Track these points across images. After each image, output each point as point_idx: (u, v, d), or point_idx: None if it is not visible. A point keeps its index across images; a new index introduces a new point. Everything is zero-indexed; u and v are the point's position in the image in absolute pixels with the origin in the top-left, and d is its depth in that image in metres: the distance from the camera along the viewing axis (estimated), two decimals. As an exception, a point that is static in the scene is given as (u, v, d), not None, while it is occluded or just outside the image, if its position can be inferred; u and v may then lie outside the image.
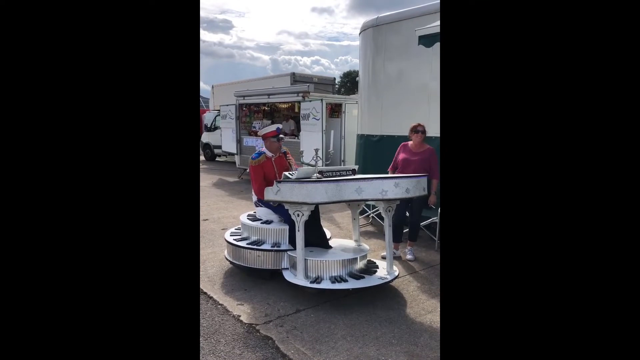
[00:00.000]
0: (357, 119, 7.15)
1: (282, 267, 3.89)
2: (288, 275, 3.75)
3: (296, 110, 10.80)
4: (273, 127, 4.32)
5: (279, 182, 3.60)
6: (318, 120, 8.71)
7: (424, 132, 4.68)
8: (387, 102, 6.23)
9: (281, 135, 4.31)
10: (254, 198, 4.32)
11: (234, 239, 4.13)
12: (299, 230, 3.60)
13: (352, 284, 3.51)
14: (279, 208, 3.98)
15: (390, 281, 3.61)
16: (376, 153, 6.28)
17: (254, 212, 4.40)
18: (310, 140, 8.74)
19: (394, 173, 4.70)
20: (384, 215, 3.72)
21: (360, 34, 6.75)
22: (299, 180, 3.51)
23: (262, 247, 3.93)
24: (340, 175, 3.91)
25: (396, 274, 3.71)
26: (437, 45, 4.28)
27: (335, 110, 9.81)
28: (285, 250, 3.88)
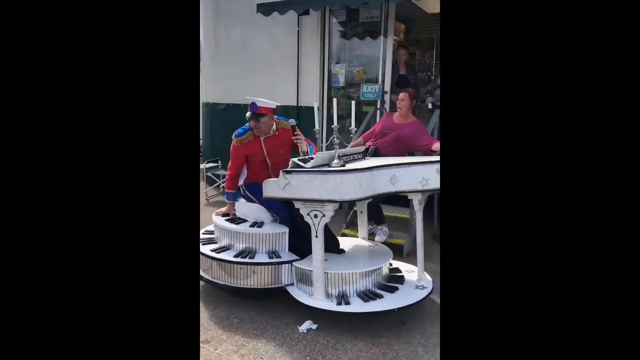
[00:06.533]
0: (201, 87, 6.67)
1: (285, 282, 2.94)
2: (298, 294, 2.84)
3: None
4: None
5: (288, 172, 2.61)
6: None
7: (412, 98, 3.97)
8: (232, 70, 6.03)
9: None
10: (240, 182, 3.24)
11: (211, 250, 3.02)
12: (317, 236, 2.69)
13: (393, 302, 2.72)
14: (272, 203, 2.96)
15: (431, 291, 2.92)
16: (222, 122, 6.11)
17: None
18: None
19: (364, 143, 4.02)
20: (416, 209, 2.98)
21: None
22: (321, 171, 2.57)
23: (257, 259, 2.92)
24: (357, 159, 3.05)
25: (431, 281, 3.03)
26: (276, 14, 4.60)
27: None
28: (290, 262, 2.93)
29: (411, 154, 4.08)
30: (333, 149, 2.77)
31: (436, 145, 3.77)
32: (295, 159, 2.71)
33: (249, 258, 2.92)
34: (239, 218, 3.20)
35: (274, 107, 3.08)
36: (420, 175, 2.74)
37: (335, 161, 2.74)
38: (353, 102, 3.08)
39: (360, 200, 2.72)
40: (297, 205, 2.71)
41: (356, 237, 3.87)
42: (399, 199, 4.10)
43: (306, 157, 2.79)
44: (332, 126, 2.77)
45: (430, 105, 5.18)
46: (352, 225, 4.38)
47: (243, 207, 3.21)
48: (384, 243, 3.64)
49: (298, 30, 5.28)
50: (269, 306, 2.98)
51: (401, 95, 3.93)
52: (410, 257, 3.76)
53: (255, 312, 2.92)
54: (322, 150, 5.15)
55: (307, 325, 2.75)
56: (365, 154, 3.23)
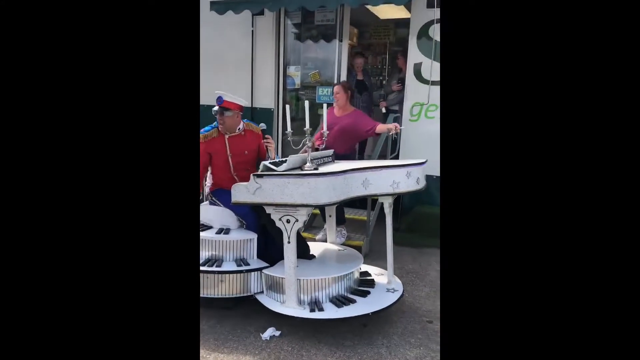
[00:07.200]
0: None
1: (254, 291, 2.83)
2: (269, 303, 2.74)
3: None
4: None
5: (259, 175, 2.52)
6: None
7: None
8: None
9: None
10: (207, 190, 3.10)
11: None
12: (289, 242, 2.61)
13: (366, 306, 2.68)
14: (240, 207, 2.84)
15: (402, 295, 2.92)
16: None
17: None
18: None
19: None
20: (386, 212, 2.97)
21: None
22: (295, 174, 2.50)
23: (224, 267, 2.80)
24: (327, 162, 3.00)
25: (400, 283, 3.03)
26: (230, 13, 4.59)
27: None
28: (259, 269, 2.82)
29: (362, 148, 4.10)
30: (305, 152, 2.72)
31: (379, 128, 3.86)
32: (267, 162, 2.62)
33: (216, 266, 2.79)
34: (204, 224, 3.05)
35: (241, 104, 3.10)
36: (392, 178, 2.74)
37: (308, 164, 2.68)
38: (325, 105, 3.05)
39: (334, 204, 2.67)
40: (268, 210, 2.61)
41: (313, 239, 3.87)
42: (356, 201, 4.10)
43: (277, 160, 2.70)
44: (305, 129, 2.71)
45: (384, 110, 5.25)
46: (309, 227, 4.34)
47: (208, 212, 3.06)
48: (342, 244, 3.63)
49: (252, 31, 5.17)
50: (229, 314, 2.86)
51: (335, 89, 4.01)
52: (368, 258, 3.76)
53: (215, 322, 2.79)
54: (278, 153, 5.07)
55: (270, 332, 2.67)
56: (334, 158, 3.19)
